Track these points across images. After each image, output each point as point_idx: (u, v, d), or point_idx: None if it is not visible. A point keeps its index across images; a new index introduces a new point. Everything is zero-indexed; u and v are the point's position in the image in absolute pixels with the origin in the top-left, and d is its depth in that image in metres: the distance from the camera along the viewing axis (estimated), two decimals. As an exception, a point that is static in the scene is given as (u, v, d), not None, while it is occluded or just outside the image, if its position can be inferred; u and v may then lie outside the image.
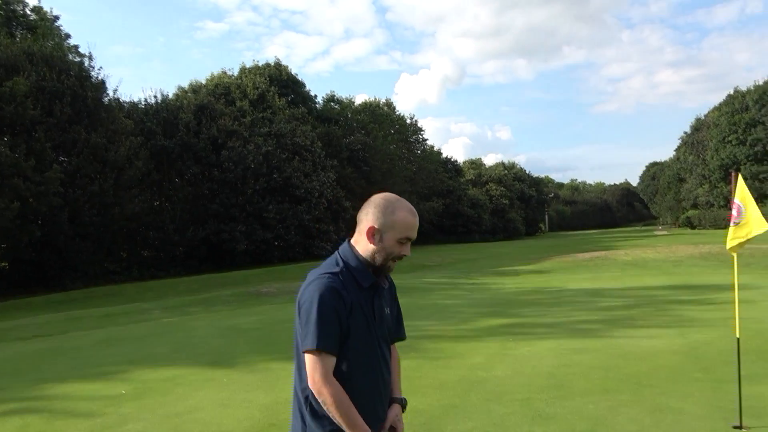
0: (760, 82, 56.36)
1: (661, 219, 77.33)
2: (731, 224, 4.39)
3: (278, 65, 42.03)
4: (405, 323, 2.26)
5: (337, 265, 1.99)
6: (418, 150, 54.75)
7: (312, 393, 1.91)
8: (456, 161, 62.82)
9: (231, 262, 30.32)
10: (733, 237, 4.40)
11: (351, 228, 2.13)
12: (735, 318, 4.68)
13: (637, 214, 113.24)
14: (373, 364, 2.00)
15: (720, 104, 59.97)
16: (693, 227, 53.42)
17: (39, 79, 22.80)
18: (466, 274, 21.05)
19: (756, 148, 53.72)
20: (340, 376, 1.91)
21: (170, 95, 34.19)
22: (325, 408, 1.88)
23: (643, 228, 78.27)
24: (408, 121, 53.63)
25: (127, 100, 31.17)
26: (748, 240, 4.36)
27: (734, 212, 4.32)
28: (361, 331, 1.95)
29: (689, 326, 8.47)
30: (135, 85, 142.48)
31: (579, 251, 26.44)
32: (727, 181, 53.71)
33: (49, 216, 22.40)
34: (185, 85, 37.19)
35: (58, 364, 8.42)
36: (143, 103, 32.19)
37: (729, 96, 58.93)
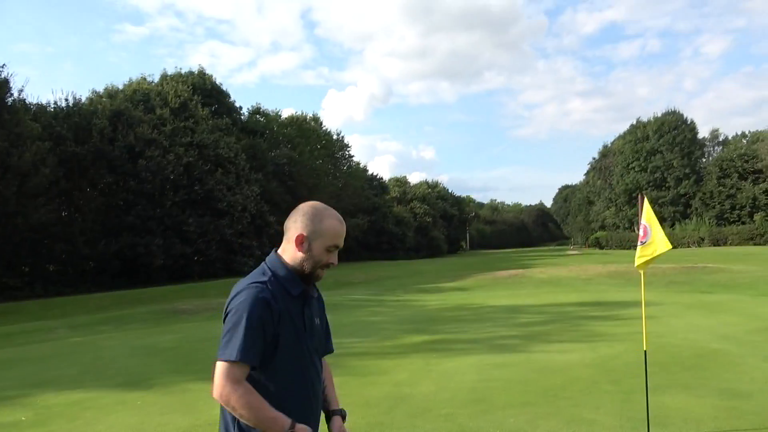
0: (659, 114, 61.49)
1: (572, 239, 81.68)
2: (639, 244, 4.73)
3: (202, 74, 40.96)
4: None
5: (264, 274, 1.96)
6: (344, 166, 54.90)
7: None
8: (381, 178, 63.55)
9: (147, 278, 28.86)
10: (641, 255, 4.74)
11: (275, 243, 2.11)
12: (643, 332, 5.02)
13: (551, 234, 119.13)
14: (305, 375, 1.97)
15: (624, 133, 64.77)
16: (601, 247, 56.85)
17: (-68, 76, 20.96)
18: (390, 291, 21.21)
19: (656, 175, 58.25)
20: (269, 388, 1.87)
21: (83, 99, 32.38)
22: (237, 415, 1.82)
23: (556, 248, 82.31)
24: (334, 137, 53.75)
25: (34, 102, 29.22)
26: (654, 258, 4.71)
27: (641, 232, 4.66)
28: (290, 342, 1.92)
29: (599, 341, 8.97)
30: (44, 86, 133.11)
31: (498, 269, 27.38)
32: (631, 204, 57.76)
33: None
34: (100, 89, 35.35)
35: (-54, 388, 7.63)
36: (52, 106, 30.29)
37: (632, 126, 63.80)
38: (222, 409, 1.95)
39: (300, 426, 1.86)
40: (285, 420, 1.82)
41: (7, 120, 23.41)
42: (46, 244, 26.52)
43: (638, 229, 4.69)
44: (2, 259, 23.42)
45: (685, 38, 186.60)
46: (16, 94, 25.86)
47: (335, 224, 2.00)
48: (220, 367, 1.82)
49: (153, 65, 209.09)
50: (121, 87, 35.90)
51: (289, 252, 2.00)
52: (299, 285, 1.98)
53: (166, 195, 30.27)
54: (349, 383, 6.59)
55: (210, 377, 1.89)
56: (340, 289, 22.55)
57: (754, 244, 46.36)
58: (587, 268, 24.20)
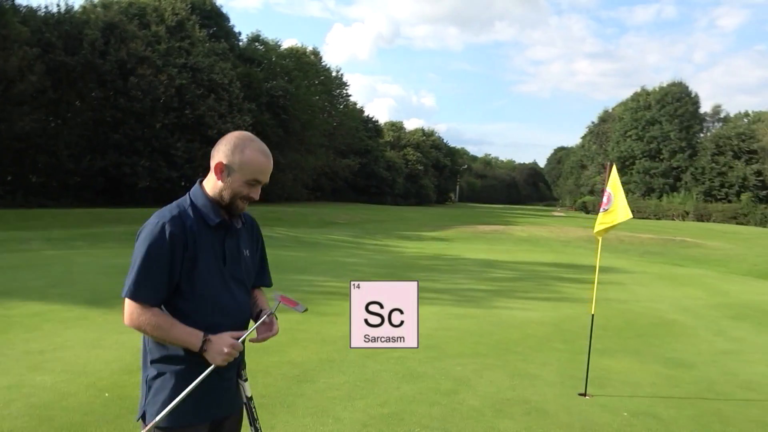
0: (664, 84, 60.57)
1: (560, 201, 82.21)
2: (600, 210, 4.74)
3: (202, -6, 39.38)
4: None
5: (182, 204, 1.93)
6: (340, 105, 54.06)
7: None
8: (377, 121, 62.79)
9: (130, 199, 28.77)
10: (600, 222, 4.77)
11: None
12: (593, 297, 5.12)
13: (541, 195, 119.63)
14: (218, 303, 1.92)
15: (626, 100, 63.94)
16: (587, 212, 57.23)
17: None
18: (371, 234, 21.35)
19: (651, 145, 58.01)
20: (179, 307, 1.87)
21: (76, 7, 31.16)
22: (152, 337, 1.88)
23: (543, 208, 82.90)
24: (333, 74, 52.64)
25: (24, 3, 28.14)
26: (613, 226, 4.74)
27: (604, 199, 4.67)
28: (204, 271, 1.88)
29: (563, 301, 9.16)
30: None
31: (481, 223, 27.60)
32: (623, 172, 57.75)
33: None
34: (95, -1, 33.95)
35: None
36: (43, 10, 29.14)
37: (635, 93, 62.88)
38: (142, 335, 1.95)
39: (214, 337, 1.84)
40: (197, 334, 1.84)
41: (-7, 21, 22.59)
42: (30, 154, 26.17)
43: (603, 196, 4.69)
44: (-16, 166, 23.17)
45: (702, 8, 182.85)
46: (4, -5, 24.85)
47: (259, 157, 1.92)
48: (125, 303, 1.86)
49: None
50: (116, -1, 34.49)
51: (210, 181, 1.96)
52: (218, 215, 1.93)
53: (156, 116, 29.75)
54: (310, 320, 6.71)
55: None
56: (322, 228, 22.67)
57: (737, 223, 46.88)
58: (568, 231, 24.44)
